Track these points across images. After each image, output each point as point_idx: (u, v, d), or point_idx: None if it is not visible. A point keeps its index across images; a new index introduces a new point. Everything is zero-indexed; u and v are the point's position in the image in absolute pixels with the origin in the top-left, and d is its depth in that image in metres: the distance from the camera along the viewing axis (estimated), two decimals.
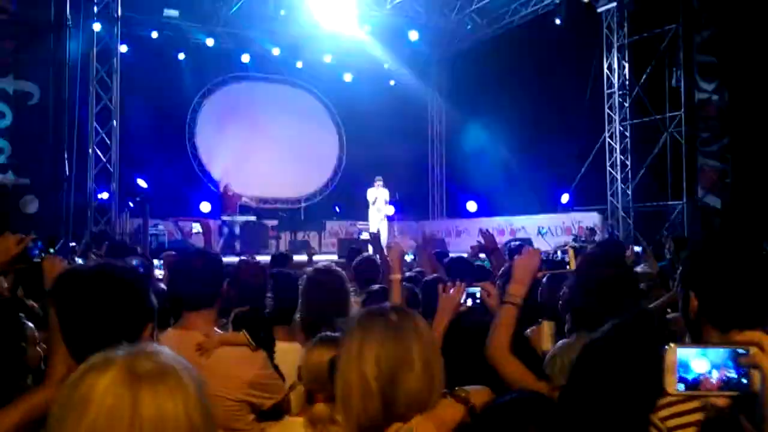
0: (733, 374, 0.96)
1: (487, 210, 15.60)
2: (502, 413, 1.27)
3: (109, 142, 12.30)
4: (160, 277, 4.69)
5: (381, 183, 13.08)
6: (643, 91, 13.31)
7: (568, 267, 2.62)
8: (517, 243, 7.79)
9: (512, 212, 14.86)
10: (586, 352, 1.47)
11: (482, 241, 4.94)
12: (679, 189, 12.79)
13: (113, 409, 0.88)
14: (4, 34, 11.31)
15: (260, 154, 15.95)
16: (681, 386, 0.96)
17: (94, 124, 12.17)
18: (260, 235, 13.89)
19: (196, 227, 13.51)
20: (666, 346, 0.97)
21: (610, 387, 1.39)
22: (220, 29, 14.79)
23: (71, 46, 11.58)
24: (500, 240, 9.03)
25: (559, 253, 6.75)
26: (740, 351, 0.96)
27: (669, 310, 3.34)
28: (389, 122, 16.04)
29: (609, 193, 13.86)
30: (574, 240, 12.13)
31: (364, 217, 13.68)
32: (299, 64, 16.43)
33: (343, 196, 16.61)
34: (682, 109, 12.73)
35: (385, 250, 4.10)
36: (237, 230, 13.47)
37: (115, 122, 12.32)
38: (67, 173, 11.37)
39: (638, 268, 4.82)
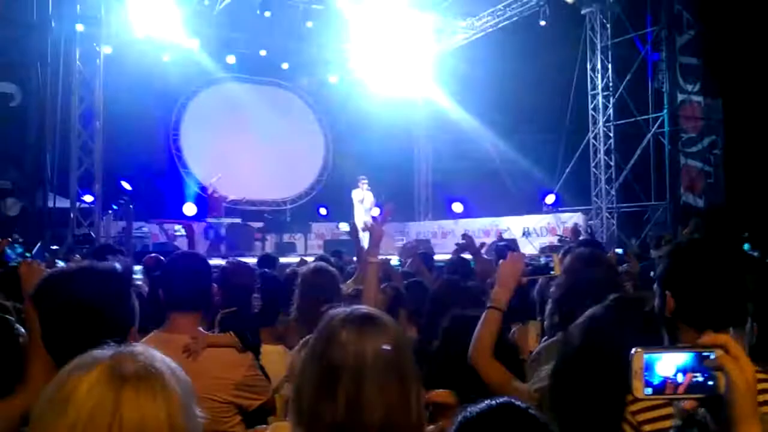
0: (699, 377, 0.96)
1: (472, 211, 15.64)
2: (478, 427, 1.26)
3: (92, 143, 12.18)
4: (139, 282, 4.62)
5: (366, 184, 13.08)
6: (627, 92, 13.43)
7: (552, 272, 2.64)
8: (503, 244, 7.83)
9: (497, 213, 14.93)
10: (563, 350, 1.49)
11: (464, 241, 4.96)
12: (663, 189, 12.93)
13: (94, 410, 0.87)
14: None
15: (245, 155, 15.89)
16: (648, 390, 0.97)
17: (77, 125, 12.05)
18: (246, 237, 13.84)
19: (180, 229, 13.43)
20: (633, 351, 0.98)
21: (588, 383, 1.42)
22: (205, 30, 14.71)
23: (54, 47, 11.46)
24: (486, 241, 9.06)
25: (542, 259, 6.80)
26: (705, 354, 0.97)
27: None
28: (375, 124, 16.04)
29: (593, 193, 13.96)
30: (559, 241, 12.19)
31: (350, 219, 13.64)
32: (285, 66, 16.39)
33: (329, 198, 16.58)
34: (665, 110, 12.86)
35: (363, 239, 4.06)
36: (222, 232, 13.41)
37: (98, 124, 12.21)
38: (50, 175, 11.26)
39: (620, 269, 4.87)
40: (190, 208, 14.42)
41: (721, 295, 1.63)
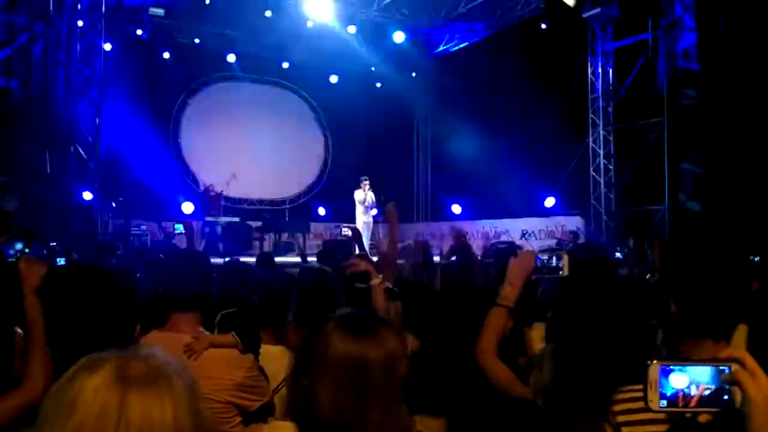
0: (714, 391, 0.96)
1: (471, 213, 15.64)
2: None
3: (91, 140, 12.17)
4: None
5: (368, 184, 13.09)
6: (627, 96, 13.45)
7: (561, 273, 2.63)
8: (504, 245, 7.83)
9: (496, 215, 14.92)
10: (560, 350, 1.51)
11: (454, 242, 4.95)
12: (662, 193, 12.94)
13: (100, 411, 0.87)
14: None
15: (245, 154, 15.88)
16: (663, 402, 0.97)
17: (77, 122, 12.03)
18: (244, 237, 13.82)
19: (179, 228, 13.39)
20: (648, 362, 0.98)
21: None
22: (205, 28, 14.70)
23: (54, 43, 11.44)
24: (486, 244, 9.07)
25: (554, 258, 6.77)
26: (722, 368, 0.97)
27: None
28: (375, 124, 16.04)
29: (592, 197, 13.97)
30: (558, 244, 12.19)
31: (350, 219, 13.65)
32: (285, 65, 16.38)
33: (328, 198, 16.58)
34: (665, 115, 12.88)
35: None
36: (219, 231, 13.38)
37: (97, 120, 12.19)
38: (48, 171, 11.23)
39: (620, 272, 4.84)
40: (188, 207, 14.39)
41: (721, 303, 1.62)
